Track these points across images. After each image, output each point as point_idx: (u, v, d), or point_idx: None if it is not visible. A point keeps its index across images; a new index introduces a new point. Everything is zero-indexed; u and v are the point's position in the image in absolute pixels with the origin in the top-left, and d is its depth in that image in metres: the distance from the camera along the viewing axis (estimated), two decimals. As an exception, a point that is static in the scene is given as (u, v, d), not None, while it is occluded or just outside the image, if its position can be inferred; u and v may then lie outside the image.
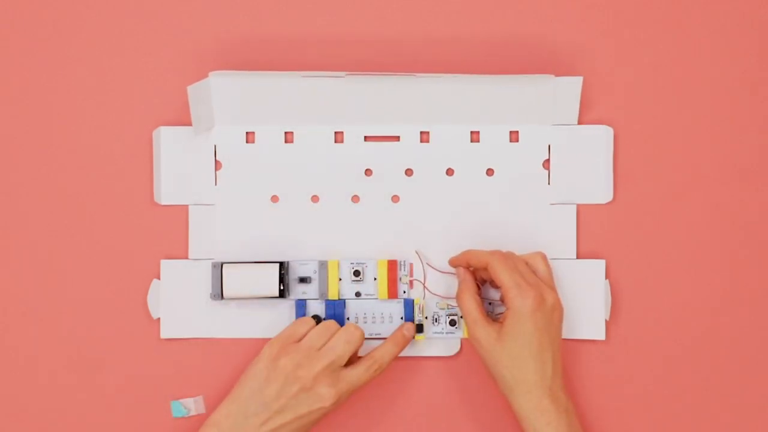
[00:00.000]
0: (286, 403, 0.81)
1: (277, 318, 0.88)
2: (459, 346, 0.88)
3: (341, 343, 0.82)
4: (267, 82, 0.86)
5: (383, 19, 0.90)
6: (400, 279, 0.88)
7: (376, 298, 0.88)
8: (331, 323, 0.84)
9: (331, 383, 0.81)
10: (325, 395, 0.81)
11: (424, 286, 0.88)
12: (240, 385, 0.82)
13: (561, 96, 0.87)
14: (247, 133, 0.88)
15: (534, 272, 0.84)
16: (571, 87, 0.87)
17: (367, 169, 0.89)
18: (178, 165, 0.88)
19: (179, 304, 0.88)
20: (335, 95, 0.87)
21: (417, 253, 0.88)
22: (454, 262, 0.87)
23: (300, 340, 0.83)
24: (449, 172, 0.89)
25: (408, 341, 0.86)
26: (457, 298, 0.85)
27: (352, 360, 0.84)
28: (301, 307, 0.87)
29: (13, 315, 0.88)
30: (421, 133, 0.89)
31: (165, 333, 0.88)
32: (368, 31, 0.89)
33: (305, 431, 0.82)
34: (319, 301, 0.87)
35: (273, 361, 0.82)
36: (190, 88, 0.86)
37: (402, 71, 0.88)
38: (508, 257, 0.84)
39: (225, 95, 0.87)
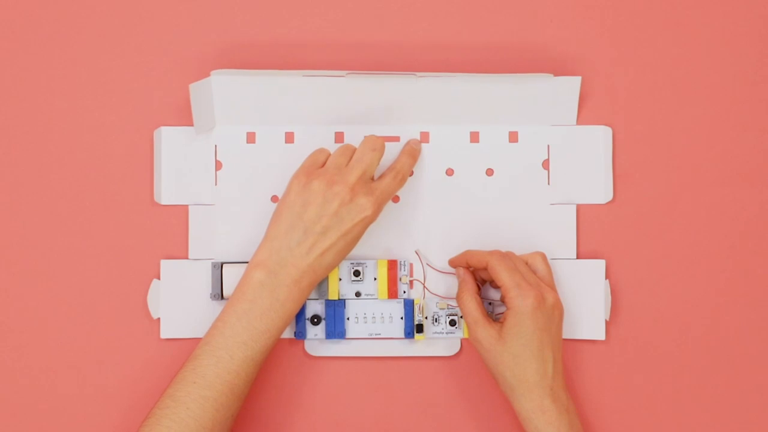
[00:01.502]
0: (328, 222, 0.81)
1: (277, 318, 0.88)
2: (459, 346, 0.88)
3: (368, 151, 0.83)
4: (268, 81, 0.87)
5: (384, 23, 0.90)
6: (400, 279, 0.88)
7: (376, 298, 0.88)
8: (348, 144, 0.84)
9: (367, 192, 0.82)
10: (365, 204, 0.81)
11: (424, 286, 0.88)
12: (275, 222, 0.82)
13: (560, 95, 0.87)
14: (247, 133, 0.89)
15: (534, 272, 0.84)
16: (569, 86, 0.87)
17: (367, 169, 0.89)
18: (178, 165, 0.88)
19: (179, 304, 0.88)
20: (336, 95, 0.87)
21: (417, 253, 0.88)
22: (453, 263, 0.87)
23: (323, 166, 0.83)
24: (449, 172, 0.89)
25: (418, 152, 0.87)
26: (458, 298, 0.85)
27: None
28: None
29: (13, 315, 0.88)
30: (421, 133, 0.89)
31: (165, 333, 0.88)
32: (369, 34, 0.90)
33: (350, 249, 0.83)
34: (319, 300, 0.87)
35: (305, 187, 0.81)
36: (192, 86, 0.86)
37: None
38: (507, 257, 0.84)
39: (226, 94, 0.87)
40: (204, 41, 0.89)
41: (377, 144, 0.83)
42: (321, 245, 0.81)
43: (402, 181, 0.85)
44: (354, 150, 0.84)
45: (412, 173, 0.88)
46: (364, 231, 0.82)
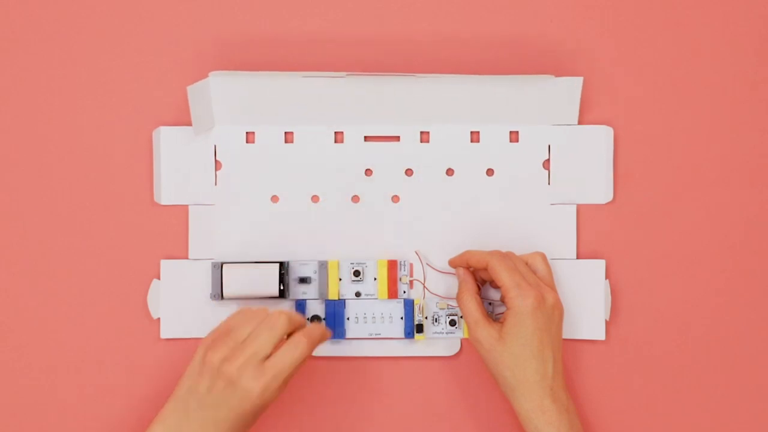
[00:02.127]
0: (217, 398, 0.78)
1: (277, 318, 0.88)
2: (459, 346, 0.88)
3: (264, 331, 0.79)
4: (267, 82, 0.86)
5: (383, 19, 0.90)
6: (400, 279, 0.88)
7: (376, 298, 0.88)
8: (261, 311, 0.80)
9: (255, 375, 0.78)
10: (250, 388, 0.78)
11: (424, 286, 0.87)
12: (180, 382, 0.80)
13: (561, 96, 0.87)
14: (247, 133, 0.88)
15: (534, 272, 0.84)
16: (571, 87, 0.87)
17: (367, 169, 0.89)
18: (178, 165, 0.88)
19: (179, 304, 0.88)
20: (335, 95, 0.87)
21: (417, 253, 0.88)
22: (453, 263, 0.87)
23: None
24: (449, 172, 0.89)
25: (328, 335, 0.83)
26: (458, 298, 0.85)
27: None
28: (301, 307, 0.87)
29: (13, 315, 0.88)
30: (421, 133, 0.89)
31: (165, 333, 0.88)
32: (368, 30, 0.89)
33: (248, 425, 0.79)
34: (319, 301, 0.87)
35: (203, 356, 0.79)
36: (189, 88, 0.86)
37: (402, 71, 0.88)
38: (507, 257, 0.84)
39: (225, 95, 0.87)
40: (202, 40, 0.89)
41: (276, 323, 0.79)
42: (213, 416, 0.78)
43: (307, 348, 0.79)
44: (263, 318, 0.80)
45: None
46: (259, 412, 0.79)
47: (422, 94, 0.87)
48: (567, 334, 0.87)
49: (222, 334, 0.80)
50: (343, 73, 0.87)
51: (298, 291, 0.87)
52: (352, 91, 0.87)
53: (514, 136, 0.88)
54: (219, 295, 0.86)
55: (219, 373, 0.78)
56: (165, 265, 0.88)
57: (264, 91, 0.87)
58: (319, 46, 0.89)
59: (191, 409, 0.79)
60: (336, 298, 0.87)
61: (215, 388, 0.78)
